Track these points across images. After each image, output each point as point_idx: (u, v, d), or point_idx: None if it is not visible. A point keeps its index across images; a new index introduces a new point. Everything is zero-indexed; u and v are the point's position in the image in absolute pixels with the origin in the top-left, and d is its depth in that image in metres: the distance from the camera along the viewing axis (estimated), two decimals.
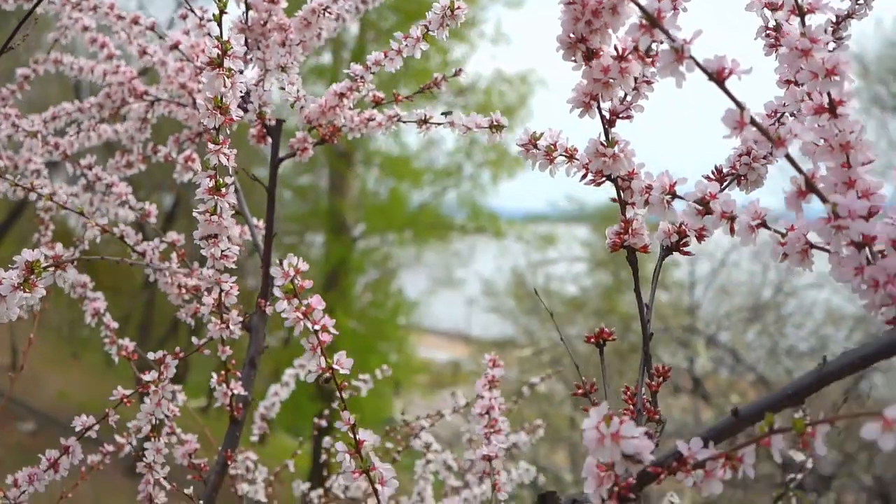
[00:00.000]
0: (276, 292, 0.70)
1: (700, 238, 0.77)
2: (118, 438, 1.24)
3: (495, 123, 0.95)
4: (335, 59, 9.60)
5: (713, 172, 0.79)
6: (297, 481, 1.51)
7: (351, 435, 0.74)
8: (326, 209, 11.38)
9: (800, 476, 1.18)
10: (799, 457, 1.20)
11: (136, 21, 1.17)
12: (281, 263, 0.70)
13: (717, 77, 0.58)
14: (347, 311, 11.10)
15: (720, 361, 7.16)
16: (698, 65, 0.58)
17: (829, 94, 0.61)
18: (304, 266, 0.70)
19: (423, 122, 1.06)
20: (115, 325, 1.18)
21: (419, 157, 12.05)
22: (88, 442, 1.12)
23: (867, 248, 0.59)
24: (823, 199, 0.59)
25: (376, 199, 11.73)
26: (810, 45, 0.61)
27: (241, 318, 1.01)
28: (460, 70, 1.13)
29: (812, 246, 0.62)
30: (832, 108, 0.62)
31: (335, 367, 0.71)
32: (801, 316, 7.31)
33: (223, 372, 1.07)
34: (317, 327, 0.70)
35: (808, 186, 0.59)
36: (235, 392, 1.07)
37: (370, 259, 12.06)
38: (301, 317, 0.70)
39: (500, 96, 10.08)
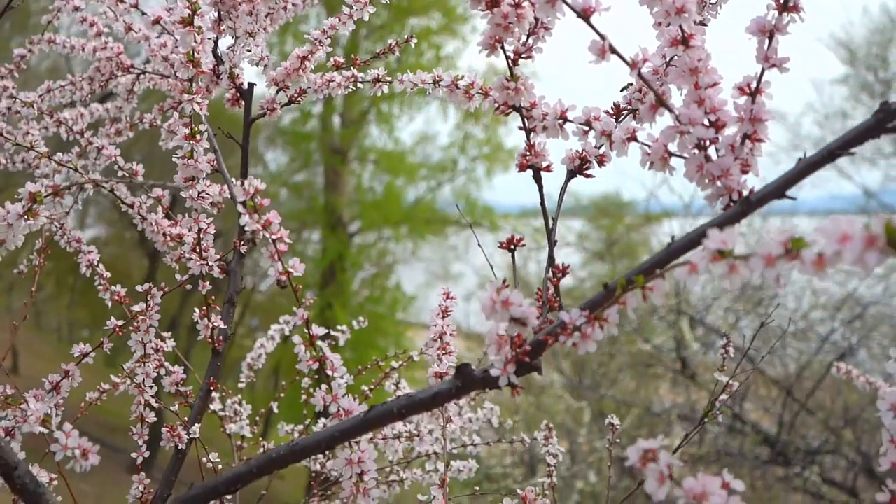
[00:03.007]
0: (239, 208, 0.83)
1: (601, 163, 0.90)
2: (114, 378, 1.38)
3: (436, 79, 1.08)
4: (328, 56, 9.74)
5: (612, 107, 0.92)
6: (282, 423, 1.65)
7: (305, 330, 0.88)
8: (322, 206, 11.50)
9: (724, 396, 1.31)
10: (721, 378, 1.34)
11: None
12: (242, 184, 0.83)
13: (584, 14, 0.72)
14: (345, 306, 11.23)
15: (711, 345, 7.32)
16: (567, 4, 0.71)
17: (681, 29, 0.75)
18: (261, 185, 0.84)
19: (377, 80, 1.20)
20: (107, 274, 1.32)
21: (414, 153, 12.19)
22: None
23: (708, 151, 0.73)
24: (671, 111, 0.72)
25: (372, 195, 11.84)
26: None
27: (218, 256, 1.15)
28: (411, 37, 1.27)
29: (671, 154, 0.76)
30: (685, 41, 0.75)
31: (290, 269, 0.85)
32: (794, 300, 7.46)
33: (204, 307, 1.20)
34: (275, 237, 0.84)
35: (659, 101, 0.73)
36: (216, 325, 1.21)
37: (367, 255, 12.18)
38: (261, 228, 0.84)
39: None
